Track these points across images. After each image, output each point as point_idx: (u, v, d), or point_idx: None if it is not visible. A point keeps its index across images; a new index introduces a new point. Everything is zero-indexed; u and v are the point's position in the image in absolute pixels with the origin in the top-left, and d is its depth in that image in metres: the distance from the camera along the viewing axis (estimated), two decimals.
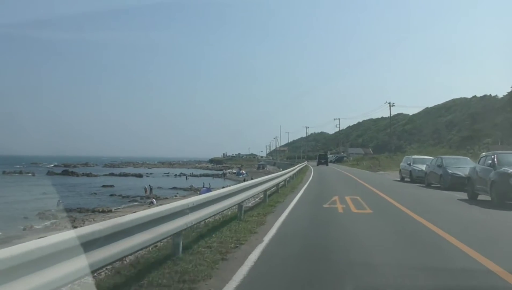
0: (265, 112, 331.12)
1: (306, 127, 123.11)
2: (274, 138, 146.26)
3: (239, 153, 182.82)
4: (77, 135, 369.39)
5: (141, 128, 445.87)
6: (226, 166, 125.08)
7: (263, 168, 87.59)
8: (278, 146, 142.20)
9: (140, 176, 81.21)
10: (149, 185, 44.01)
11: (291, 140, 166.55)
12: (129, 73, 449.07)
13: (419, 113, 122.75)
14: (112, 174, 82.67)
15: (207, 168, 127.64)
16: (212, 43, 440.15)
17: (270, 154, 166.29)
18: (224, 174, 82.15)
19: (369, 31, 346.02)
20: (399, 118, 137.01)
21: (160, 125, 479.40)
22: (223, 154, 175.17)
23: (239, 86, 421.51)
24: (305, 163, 58.97)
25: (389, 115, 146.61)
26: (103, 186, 55.57)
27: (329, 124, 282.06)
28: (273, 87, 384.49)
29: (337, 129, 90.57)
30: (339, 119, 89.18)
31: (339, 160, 75.53)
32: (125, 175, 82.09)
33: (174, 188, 54.14)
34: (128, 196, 43.54)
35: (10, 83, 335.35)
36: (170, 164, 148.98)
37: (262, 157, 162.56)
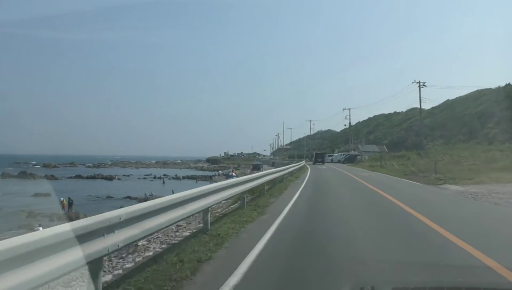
0: (269, 110, 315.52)
1: (310, 121, 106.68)
2: (276, 135, 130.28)
3: (242, 152, 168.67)
4: (81, 134, 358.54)
5: (146, 128, 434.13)
6: (222, 166, 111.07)
7: (258, 169, 71.85)
8: (281, 144, 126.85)
9: (110, 179, 66.79)
10: (69, 198, 28.59)
11: (296, 138, 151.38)
12: (133, 73, 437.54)
13: (439, 106, 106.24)
14: (78, 177, 68.18)
15: (202, 168, 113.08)
16: (217, 42, 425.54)
17: (274, 153, 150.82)
18: (210, 177, 66.76)
19: (380, 22, 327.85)
20: (415, 112, 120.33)
21: (165, 124, 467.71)
22: (225, 153, 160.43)
23: (243, 84, 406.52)
24: (303, 163, 43.78)
25: (402, 110, 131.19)
26: (35, 195, 41.17)
27: (336, 116, 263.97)
28: (277, 84, 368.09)
29: (346, 122, 73.51)
30: (349, 109, 72.46)
31: (351, 160, 58.81)
32: (93, 178, 67.45)
33: (128, 197, 39.63)
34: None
35: (14, 82, 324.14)
36: (165, 163, 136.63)
37: (264, 156, 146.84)
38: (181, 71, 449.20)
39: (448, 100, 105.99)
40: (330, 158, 72.13)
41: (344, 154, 65.90)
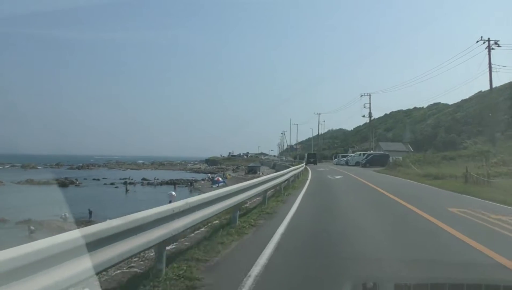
0: (277, 109, 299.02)
1: (318, 114, 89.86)
2: (282, 133, 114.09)
3: (247, 152, 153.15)
4: (86, 135, 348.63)
5: (152, 128, 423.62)
6: (221, 168, 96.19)
7: (255, 172, 56.51)
8: (287, 143, 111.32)
9: (65, 185, 51.79)
10: None
11: (306, 137, 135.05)
12: (140, 73, 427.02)
13: (469, 99, 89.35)
14: (30, 182, 53.55)
15: (198, 170, 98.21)
16: (227, 43, 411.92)
17: (282, 153, 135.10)
18: (191, 183, 51.59)
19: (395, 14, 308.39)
20: (439, 107, 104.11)
21: (171, 124, 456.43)
22: (229, 153, 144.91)
23: (250, 82, 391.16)
24: (301, 167, 27.86)
25: (423, 106, 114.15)
26: None
27: (348, 114, 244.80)
28: (285, 82, 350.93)
29: (364, 112, 55.89)
30: (369, 94, 55.53)
31: (377, 162, 40.94)
32: (47, 183, 52.49)
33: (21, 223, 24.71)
34: None
35: (19, 81, 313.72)
36: (161, 164, 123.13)
37: (275, 156, 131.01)
38: (188, 71, 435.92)
39: (480, 91, 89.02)
40: (345, 159, 55.48)
41: (365, 154, 47.39)
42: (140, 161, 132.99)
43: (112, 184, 55.42)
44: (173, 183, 54.03)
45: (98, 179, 62.20)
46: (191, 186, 50.00)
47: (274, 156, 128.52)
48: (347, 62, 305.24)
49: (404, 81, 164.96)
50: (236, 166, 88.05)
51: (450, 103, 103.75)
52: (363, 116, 55.61)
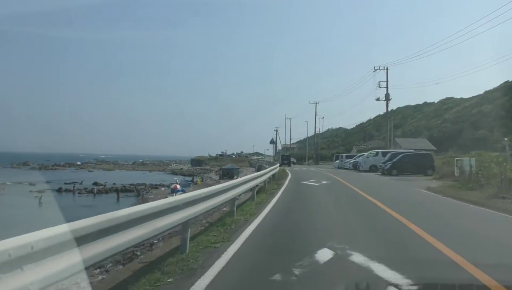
0: (274, 107, 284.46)
1: (315, 103, 74.93)
2: (275, 130, 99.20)
3: (242, 152, 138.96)
4: (79, 133, 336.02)
5: (147, 126, 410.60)
6: (205, 169, 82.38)
7: (231, 176, 41.75)
8: (282, 141, 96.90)
9: None
10: None
11: (304, 136, 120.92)
12: (137, 72, 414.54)
13: (495, 89, 74.67)
14: None
15: (179, 171, 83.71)
16: (223, 42, 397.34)
17: (279, 152, 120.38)
18: (139, 193, 37.10)
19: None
20: (455, 101, 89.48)
21: (166, 122, 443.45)
22: (222, 152, 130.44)
23: (246, 80, 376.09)
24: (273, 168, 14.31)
25: (434, 100, 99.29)
26: None
27: (348, 113, 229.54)
28: (283, 81, 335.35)
29: (378, 94, 40.19)
30: (386, 69, 39.80)
31: (410, 167, 23.92)
32: None
33: None
34: None
35: (12, 80, 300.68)
36: (142, 164, 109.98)
37: (286, 155, 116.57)
38: (184, 71, 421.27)
39: (508, 81, 74.18)
40: (351, 161, 40.10)
41: (386, 154, 28.79)
42: (131, 162, 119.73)
43: (31, 192, 40.85)
44: (117, 190, 39.16)
45: (34, 184, 47.42)
46: (140, 196, 35.33)
47: (286, 155, 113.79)
48: (346, 58, 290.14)
49: (421, 49, 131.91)
50: (220, 168, 73.62)
51: (466, 97, 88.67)
52: (377, 100, 40.12)
